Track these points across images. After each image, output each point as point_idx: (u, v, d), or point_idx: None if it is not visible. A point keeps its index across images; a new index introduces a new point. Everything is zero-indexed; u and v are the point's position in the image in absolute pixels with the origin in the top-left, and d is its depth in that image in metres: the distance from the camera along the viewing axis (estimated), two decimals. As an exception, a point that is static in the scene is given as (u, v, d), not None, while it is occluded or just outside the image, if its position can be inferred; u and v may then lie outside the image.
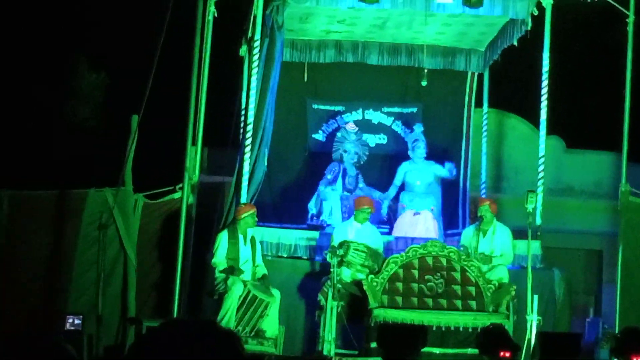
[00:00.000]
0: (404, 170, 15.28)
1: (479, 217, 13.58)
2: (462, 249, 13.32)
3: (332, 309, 12.33)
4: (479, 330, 11.97)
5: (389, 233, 14.69)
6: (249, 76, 13.90)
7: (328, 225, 14.55)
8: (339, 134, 15.68)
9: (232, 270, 12.55)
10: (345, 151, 15.44)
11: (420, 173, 15.22)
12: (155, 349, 4.05)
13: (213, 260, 12.68)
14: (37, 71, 18.60)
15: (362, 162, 15.55)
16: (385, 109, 16.25)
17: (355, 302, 12.80)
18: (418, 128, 15.39)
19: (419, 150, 15.23)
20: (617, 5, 13.92)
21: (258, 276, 12.79)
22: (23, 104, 18.36)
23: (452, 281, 12.76)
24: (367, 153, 15.66)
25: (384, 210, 15.30)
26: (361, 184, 15.44)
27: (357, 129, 15.71)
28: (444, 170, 15.23)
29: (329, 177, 15.22)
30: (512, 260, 13.53)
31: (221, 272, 12.59)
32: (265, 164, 14.01)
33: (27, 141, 18.04)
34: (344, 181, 15.25)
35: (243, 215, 12.85)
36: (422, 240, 13.54)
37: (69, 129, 18.75)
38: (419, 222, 14.78)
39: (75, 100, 19.21)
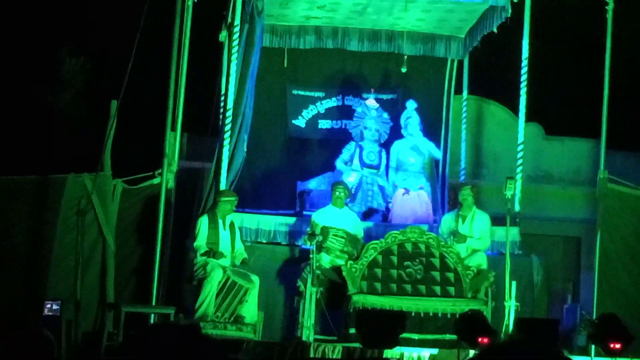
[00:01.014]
0: (396, 150, 15.02)
1: (459, 203, 13.62)
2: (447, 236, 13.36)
3: (311, 295, 12.35)
4: (457, 316, 12.01)
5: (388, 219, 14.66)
6: (229, 62, 13.88)
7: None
8: (359, 109, 15.38)
9: (214, 253, 12.54)
10: (365, 127, 15.13)
11: (413, 151, 14.96)
12: (139, 355, 4.04)
13: (195, 244, 12.70)
14: (17, 57, 18.52)
15: (382, 141, 15.19)
16: (365, 95, 16.23)
17: (335, 288, 12.82)
18: (411, 105, 15.08)
19: (410, 127, 14.96)
20: (596, -8, 13.98)
21: (238, 261, 12.81)
22: (3, 89, 18.28)
23: (431, 267, 12.79)
24: (388, 131, 15.26)
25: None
26: (382, 168, 15.04)
27: (377, 105, 15.35)
28: (437, 151, 15.14)
29: (344, 156, 15.03)
30: (489, 245, 13.58)
31: (202, 254, 12.60)
32: (245, 149, 14.01)
33: (6, 127, 17.97)
34: (361, 158, 14.95)
35: (223, 199, 12.86)
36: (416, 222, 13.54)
37: (49, 114, 18.69)
38: (413, 201, 14.65)
39: (56, 85, 19.15)
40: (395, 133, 15.29)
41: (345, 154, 15.11)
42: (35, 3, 18.87)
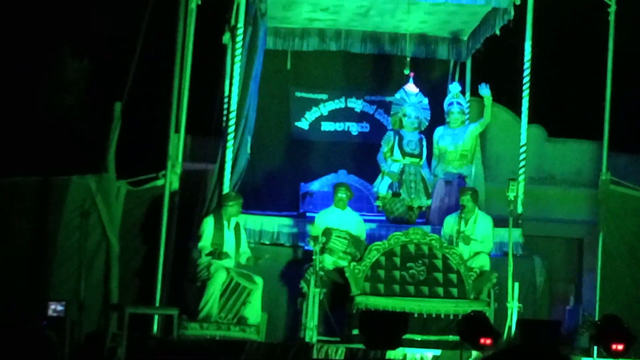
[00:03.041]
0: (437, 136, 14.71)
1: (461, 206, 13.64)
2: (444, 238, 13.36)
3: (314, 296, 12.39)
4: (460, 317, 12.05)
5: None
6: (232, 64, 13.93)
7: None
8: (397, 96, 14.92)
9: (219, 254, 12.58)
10: (405, 115, 14.70)
11: (454, 137, 14.65)
12: None
13: (200, 244, 12.75)
14: (21, 59, 18.56)
15: (422, 128, 14.80)
16: (368, 98, 16.27)
17: (338, 290, 12.85)
18: (454, 89, 14.85)
19: (452, 115, 14.69)
20: (598, -5, 14.03)
21: (243, 260, 12.85)
22: (7, 92, 18.32)
23: (434, 269, 12.83)
24: (428, 118, 14.86)
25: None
26: (424, 158, 14.61)
27: (418, 90, 14.89)
28: (477, 124, 14.72)
29: (385, 150, 14.62)
30: (491, 248, 13.58)
31: (207, 255, 12.66)
32: (248, 151, 14.05)
33: (10, 128, 18.01)
34: (401, 147, 14.49)
35: (229, 204, 12.92)
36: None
37: (53, 116, 18.73)
38: (453, 192, 14.41)
39: (59, 87, 19.19)
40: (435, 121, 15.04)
41: (385, 145, 14.65)
42: (38, 5, 18.91)
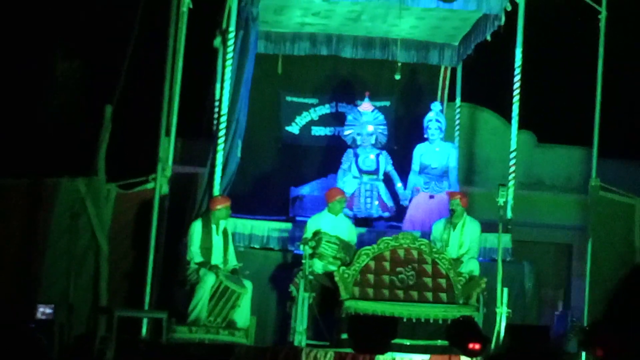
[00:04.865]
0: (419, 153, 15.05)
1: (450, 211, 13.67)
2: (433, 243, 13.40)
3: (303, 300, 12.40)
4: (449, 322, 12.07)
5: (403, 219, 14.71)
6: (223, 67, 13.93)
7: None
8: (350, 117, 15.23)
9: (211, 267, 12.59)
10: (358, 134, 15.02)
11: (436, 154, 15.01)
12: None
13: (188, 255, 12.72)
14: (11, 59, 18.54)
15: (383, 143, 15.13)
16: (359, 103, 16.29)
17: (327, 294, 12.85)
18: (435, 107, 15.11)
19: (430, 130, 14.99)
20: (589, 1, 14.05)
21: (229, 269, 12.85)
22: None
23: (423, 273, 12.84)
24: (385, 133, 15.15)
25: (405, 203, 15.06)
26: (389, 167, 15.08)
27: (372, 108, 15.19)
28: (454, 159, 15.13)
29: (344, 166, 14.97)
30: (478, 254, 13.63)
31: (197, 264, 12.65)
32: (239, 155, 14.05)
33: (0, 129, 17.99)
34: (357, 165, 14.90)
35: (218, 207, 12.91)
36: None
37: (43, 117, 18.71)
38: (434, 207, 14.63)
39: (50, 89, 19.17)
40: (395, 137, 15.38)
41: (345, 163, 15.04)
42: (30, 5, 18.90)
